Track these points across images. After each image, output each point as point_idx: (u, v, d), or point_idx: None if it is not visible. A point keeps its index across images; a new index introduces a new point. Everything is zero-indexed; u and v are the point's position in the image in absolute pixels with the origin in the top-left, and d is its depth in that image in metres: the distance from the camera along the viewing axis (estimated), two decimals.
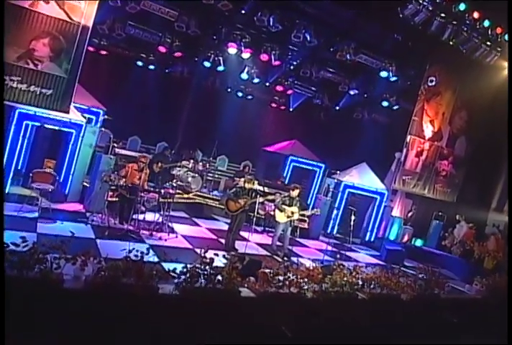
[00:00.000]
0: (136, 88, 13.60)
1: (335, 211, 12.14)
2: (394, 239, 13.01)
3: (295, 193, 8.96)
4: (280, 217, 8.85)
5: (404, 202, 14.07)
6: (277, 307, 6.21)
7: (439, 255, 12.00)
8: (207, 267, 5.75)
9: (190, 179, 12.30)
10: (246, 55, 11.24)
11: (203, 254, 5.93)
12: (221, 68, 11.76)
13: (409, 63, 10.83)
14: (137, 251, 5.36)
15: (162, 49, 10.85)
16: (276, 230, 9.05)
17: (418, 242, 13.07)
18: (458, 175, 12.62)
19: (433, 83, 10.74)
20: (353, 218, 9.73)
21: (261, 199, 8.30)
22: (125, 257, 5.25)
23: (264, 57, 10.82)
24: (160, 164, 11.45)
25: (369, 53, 10.42)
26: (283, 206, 8.84)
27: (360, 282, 7.19)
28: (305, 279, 6.57)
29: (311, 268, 6.86)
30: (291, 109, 15.64)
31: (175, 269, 5.49)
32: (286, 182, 13.82)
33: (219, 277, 5.80)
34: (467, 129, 12.26)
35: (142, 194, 8.05)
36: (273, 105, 15.53)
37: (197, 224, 10.16)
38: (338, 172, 12.50)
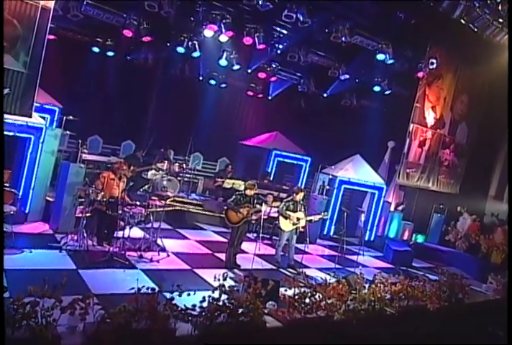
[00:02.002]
0: (92, 78, 12.57)
1: (330, 210, 11.91)
2: (394, 237, 12.93)
3: (299, 197, 8.52)
4: (285, 225, 8.40)
5: (398, 194, 14.03)
6: (308, 335, 5.80)
7: (445, 252, 12.05)
8: (226, 298, 5.22)
9: (165, 182, 11.56)
10: (224, 38, 10.54)
11: (220, 281, 5.41)
12: (196, 54, 11.00)
13: (408, 44, 10.59)
14: (148, 288, 4.72)
15: (127, 33, 9.92)
16: (280, 239, 8.60)
17: (419, 238, 13.07)
18: (460, 164, 12.71)
19: (435, 65, 10.59)
20: (363, 218, 9.46)
21: (266, 207, 7.77)
22: (134, 297, 4.58)
23: (247, 40, 10.18)
24: (132, 167, 10.70)
25: (365, 34, 10.04)
26: (288, 212, 8.39)
27: (388, 296, 6.92)
28: (333, 300, 6.17)
29: (335, 284, 6.45)
30: (270, 97, 15.12)
31: (194, 305, 4.89)
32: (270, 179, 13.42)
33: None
34: (468, 114, 12.31)
35: (125, 209, 7.28)
36: (250, 93, 14.93)
37: (184, 236, 9.52)
38: (333, 167, 12.16)
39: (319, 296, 6.18)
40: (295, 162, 14.66)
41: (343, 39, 9.86)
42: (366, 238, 12.47)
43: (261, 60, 11.65)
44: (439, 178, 12.25)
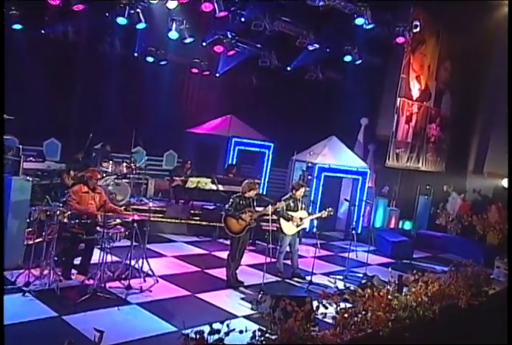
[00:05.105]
0: None
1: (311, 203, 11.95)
2: (381, 226, 13.33)
3: (299, 193, 8.38)
4: (288, 228, 8.24)
5: (373, 176, 14.45)
6: None
7: (440, 237, 12.64)
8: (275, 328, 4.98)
9: (111, 188, 10.89)
10: (172, 5, 9.96)
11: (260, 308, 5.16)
12: (141, 26, 10.28)
13: (388, 6, 10.77)
14: (195, 332, 4.33)
15: (53, 0, 8.97)
16: (282, 245, 8.44)
17: (407, 225, 13.62)
18: (445, 138, 13.33)
19: (418, 29, 10.89)
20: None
21: (271, 209, 7.52)
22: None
23: (206, 6, 9.68)
24: (72, 173, 9.99)
25: None
26: (289, 213, 8.22)
27: (426, 299, 7.06)
28: (380, 312, 6.16)
29: (376, 294, 6.44)
30: (217, 75, 14.69)
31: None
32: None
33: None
34: (451, 82, 12.89)
35: (99, 229, 6.65)
36: (194, 70, 14.38)
37: (159, 253, 9.02)
38: (311, 152, 12.15)
39: (361, 309, 6.15)
40: (256, 149, 14.45)
41: (320, 3, 9.75)
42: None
43: (219, 30, 11.20)
44: (427, 156, 12.80)
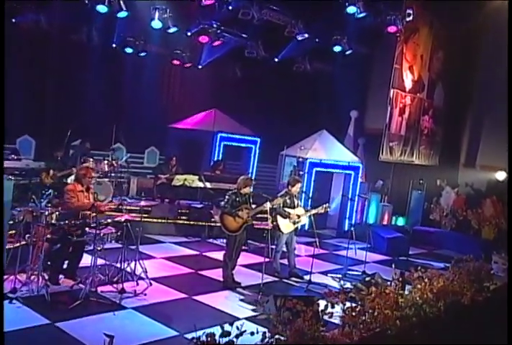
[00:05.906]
0: None
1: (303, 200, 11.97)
2: (374, 222, 13.42)
3: (295, 189, 8.40)
4: (286, 226, 8.25)
5: (363, 172, 14.56)
6: None
7: (434, 233, 12.82)
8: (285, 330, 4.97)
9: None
10: None
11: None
12: (123, 14, 10.11)
13: None
14: (207, 336, 4.28)
15: None
16: (278, 244, 8.44)
17: (400, 221, 13.76)
18: (438, 130, 13.50)
19: (411, 18, 10.99)
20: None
21: (270, 204, 7.52)
22: None
23: None
24: (51, 172, 9.91)
25: None
26: (286, 210, 8.22)
27: (431, 296, 7.14)
28: (388, 311, 6.20)
29: (383, 292, 6.49)
30: (200, 66, 14.58)
31: None
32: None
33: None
34: (444, 72, 13.06)
35: (88, 230, 6.55)
36: (175, 62, 14.23)
37: (148, 255, 8.89)
38: (302, 147, 12.17)
39: (368, 307, 6.18)
40: (242, 145, 14.41)
41: None
42: (346, 229, 12.78)
43: (205, 19, 11.12)
44: (420, 150, 12.97)
